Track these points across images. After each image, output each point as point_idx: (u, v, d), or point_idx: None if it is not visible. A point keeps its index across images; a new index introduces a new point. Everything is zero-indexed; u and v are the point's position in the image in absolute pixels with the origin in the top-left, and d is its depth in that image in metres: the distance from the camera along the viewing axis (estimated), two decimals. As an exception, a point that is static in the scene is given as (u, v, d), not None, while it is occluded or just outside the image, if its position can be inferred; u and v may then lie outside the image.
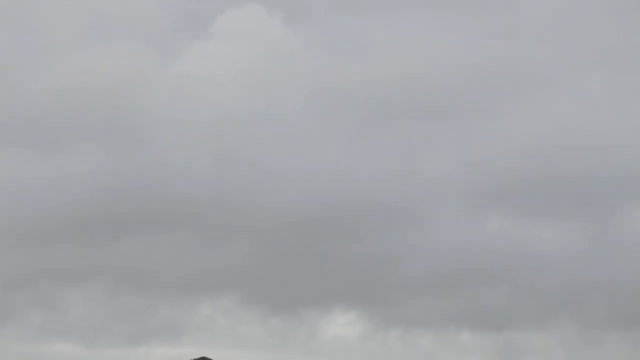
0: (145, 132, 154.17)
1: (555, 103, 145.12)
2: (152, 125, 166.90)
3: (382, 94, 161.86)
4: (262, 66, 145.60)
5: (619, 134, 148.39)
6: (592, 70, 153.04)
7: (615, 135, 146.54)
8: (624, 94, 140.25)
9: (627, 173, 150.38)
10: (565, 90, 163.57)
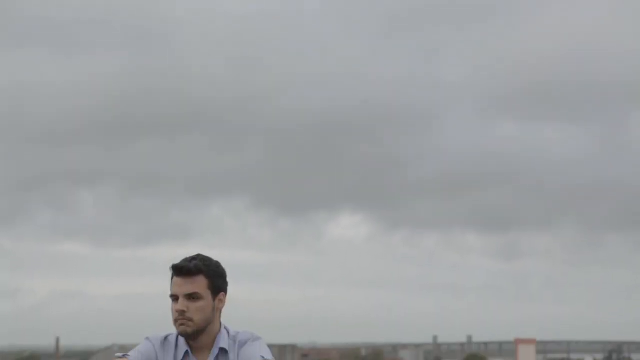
0: (164, 36, 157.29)
1: (567, 11, 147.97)
2: (171, 29, 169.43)
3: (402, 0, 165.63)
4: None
5: (626, 40, 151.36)
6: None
7: (623, 41, 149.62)
8: (632, 1, 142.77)
9: (634, 78, 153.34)
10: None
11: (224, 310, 3.86)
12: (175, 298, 3.75)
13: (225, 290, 3.84)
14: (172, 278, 3.78)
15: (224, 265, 3.87)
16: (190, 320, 3.71)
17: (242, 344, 3.78)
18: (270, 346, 3.74)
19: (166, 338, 3.83)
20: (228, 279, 3.89)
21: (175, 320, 3.73)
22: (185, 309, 3.71)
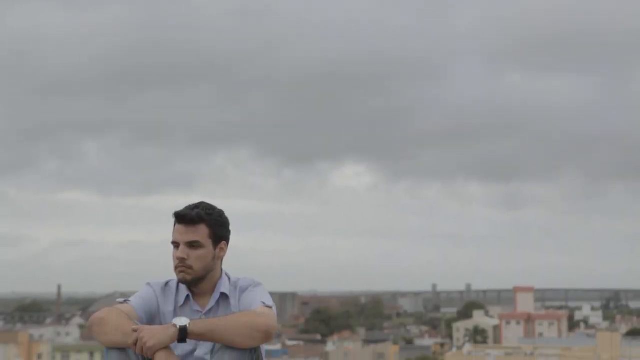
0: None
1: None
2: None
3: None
4: None
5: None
6: None
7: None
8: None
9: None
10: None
11: (225, 258, 3.88)
12: (176, 245, 3.78)
13: (227, 239, 3.85)
14: (174, 225, 3.79)
15: (227, 214, 3.88)
16: (190, 268, 3.74)
17: (243, 289, 3.82)
18: (271, 294, 3.78)
19: (167, 284, 3.87)
20: (231, 228, 3.91)
21: (176, 267, 3.76)
22: (185, 257, 3.74)
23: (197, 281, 3.78)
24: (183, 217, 3.77)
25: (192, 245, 3.75)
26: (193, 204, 3.83)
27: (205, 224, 3.77)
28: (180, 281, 3.79)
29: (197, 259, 3.75)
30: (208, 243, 3.77)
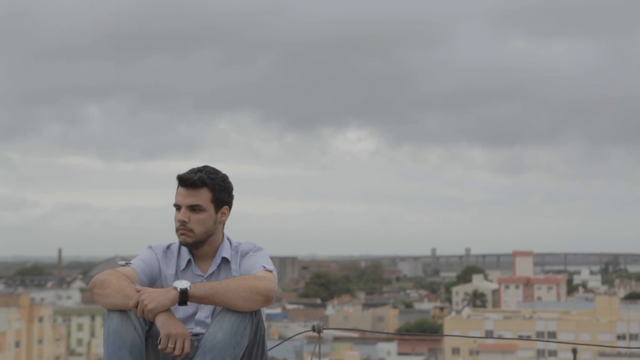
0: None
1: None
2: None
3: None
4: None
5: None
6: None
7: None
8: None
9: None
10: None
11: (227, 222, 3.88)
12: (178, 207, 3.78)
13: (229, 204, 3.84)
14: (177, 188, 3.80)
15: (229, 179, 3.88)
16: (191, 231, 3.74)
17: (244, 254, 3.83)
18: (271, 258, 3.79)
19: (168, 247, 3.88)
20: (233, 193, 3.90)
21: (177, 230, 3.77)
22: (186, 220, 3.74)
23: (197, 244, 3.78)
24: (186, 180, 3.77)
25: (194, 208, 3.75)
26: (197, 168, 3.82)
27: (208, 188, 3.77)
28: (181, 244, 3.80)
29: (198, 223, 3.75)
30: (210, 207, 3.77)
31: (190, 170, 3.80)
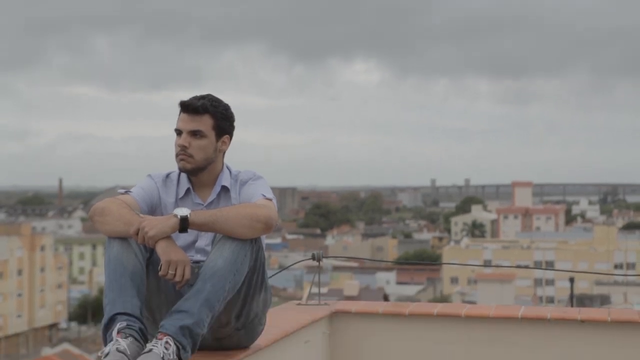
0: None
1: None
2: None
3: None
4: None
5: None
6: None
7: None
8: None
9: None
10: None
11: (229, 153, 3.88)
12: (179, 133, 3.78)
13: (230, 134, 3.83)
14: (179, 114, 3.79)
15: (234, 109, 3.87)
16: (191, 156, 3.74)
17: (244, 182, 3.83)
18: (271, 189, 3.80)
19: (168, 175, 3.88)
20: (236, 124, 3.90)
21: (177, 155, 3.77)
22: (187, 145, 3.74)
23: (196, 171, 3.78)
24: (188, 106, 3.76)
25: (195, 134, 3.74)
26: (200, 95, 3.81)
27: (210, 114, 3.75)
28: (180, 169, 3.80)
29: (198, 149, 3.75)
30: (211, 134, 3.76)
31: (193, 97, 3.79)
